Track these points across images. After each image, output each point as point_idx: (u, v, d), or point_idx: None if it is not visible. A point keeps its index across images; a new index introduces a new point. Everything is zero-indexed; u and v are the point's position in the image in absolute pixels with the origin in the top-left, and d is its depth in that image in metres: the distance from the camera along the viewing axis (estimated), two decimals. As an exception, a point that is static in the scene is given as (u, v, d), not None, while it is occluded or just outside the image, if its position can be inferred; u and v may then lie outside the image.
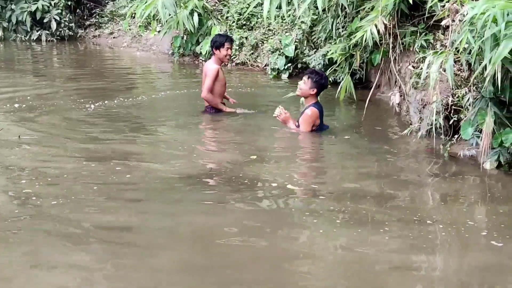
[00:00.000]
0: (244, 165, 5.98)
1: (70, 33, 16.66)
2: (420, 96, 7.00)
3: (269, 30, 12.11)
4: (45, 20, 16.27)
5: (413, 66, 7.25)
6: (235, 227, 4.50)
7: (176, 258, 4.01)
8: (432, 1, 6.68)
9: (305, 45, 10.94)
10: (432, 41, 7.32)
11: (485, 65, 5.11)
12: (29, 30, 16.31)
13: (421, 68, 6.44)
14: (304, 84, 7.02)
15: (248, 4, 12.31)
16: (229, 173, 5.80)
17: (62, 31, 16.51)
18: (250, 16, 12.54)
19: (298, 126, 7.09)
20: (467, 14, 5.36)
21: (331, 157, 6.56)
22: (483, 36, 5.11)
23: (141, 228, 4.48)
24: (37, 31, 16.39)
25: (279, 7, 8.27)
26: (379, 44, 7.93)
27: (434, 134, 6.38)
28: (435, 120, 6.21)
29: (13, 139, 6.66)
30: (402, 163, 6.12)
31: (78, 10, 17.23)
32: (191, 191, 5.24)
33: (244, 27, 12.63)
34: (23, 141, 6.59)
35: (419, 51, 7.26)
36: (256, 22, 12.31)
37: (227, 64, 7.98)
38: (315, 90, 7.02)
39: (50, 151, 6.37)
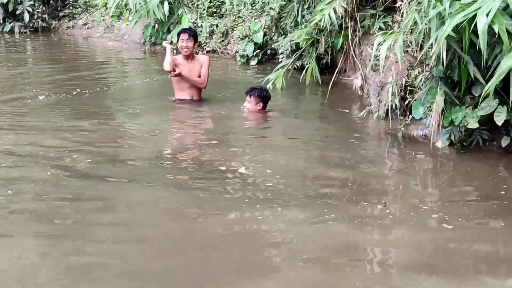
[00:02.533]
0: (207, 150, 6.06)
1: (44, 24, 16.54)
2: (378, 78, 7.06)
3: (239, 17, 12.10)
4: (17, 12, 16.15)
5: (371, 49, 7.29)
6: (191, 210, 4.54)
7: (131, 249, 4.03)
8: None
9: (273, 31, 10.97)
10: (390, 23, 7.37)
11: (432, 44, 5.16)
12: (1, 22, 16.20)
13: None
14: (249, 103, 7.33)
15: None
16: (190, 157, 5.86)
17: (35, 23, 16.39)
18: (220, 3, 12.54)
19: None
20: (414, -6, 5.41)
21: (290, 140, 6.59)
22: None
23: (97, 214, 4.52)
24: (10, 23, 16.27)
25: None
26: (339, 28, 7.97)
27: (391, 115, 6.43)
28: (391, 101, 6.26)
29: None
30: (357, 145, 6.18)
31: (51, 1, 17.09)
32: (152, 175, 5.29)
33: (214, 14, 12.63)
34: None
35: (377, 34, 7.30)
36: (226, 10, 12.30)
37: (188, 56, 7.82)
38: (261, 105, 7.32)
39: (12, 138, 6.37)
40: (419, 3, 5.35)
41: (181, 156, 5.93)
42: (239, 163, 5.60)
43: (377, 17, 7.63)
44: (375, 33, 7.50)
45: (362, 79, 7.82)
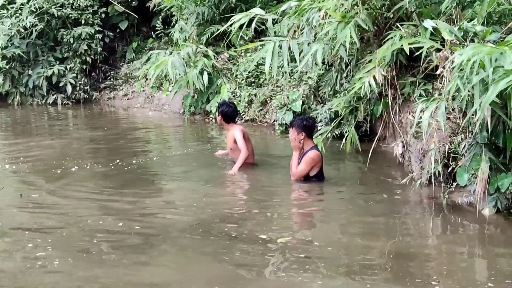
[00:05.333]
0: (247, 218, 6.03)
1: (85, 96, 16.89)
2: (420, 145, 7.00)
3: (277, 86, 12.21)
4: (60, 84, 16.52)
5: (412, 116, 7.25)
6: (230, 279, 4.55)
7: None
8: (426, 50, 6.73)
9: (312, 100, 11.03)
10: (431, 90, 7.35)
11: (476, 110, 5.11)
12: (45, 94, 16.58)
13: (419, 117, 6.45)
14: (292, 134, 7.26)
15: (257, 62, 12.40)
16: (229, 226, 5.79)
17: (78, 94, 16.73)
18: (258, 73, 12.70)
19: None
20: (456, 61, 5.39)
21: (331, 208, 6.49)
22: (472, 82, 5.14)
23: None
24: (53, 95, 16.63)
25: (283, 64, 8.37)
26: (379, 95, 7.99)
27: (434, 182, 6.34)
28: (434, 168, 6.17)
29: (15, 197, 6.76)
30: (401, 214, 6.10)
31: (93, 74, 17.50)
32: (190, 244, 5.31)
33: (253, 84, 12.77)
34: (25, 200, 6.67)
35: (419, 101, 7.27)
36: (265, 79, 12.43)
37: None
38: (304, 134, 7.22)
39: (56, 208, 6.45)
40: (461, 70, 5.33)
41: (220, 224, 5.87)
42: (278, 232, 5.55)
43: (417, 84, 7.61)
44: (415, 100, 7.48)
45: (403, 146, 7.76)
